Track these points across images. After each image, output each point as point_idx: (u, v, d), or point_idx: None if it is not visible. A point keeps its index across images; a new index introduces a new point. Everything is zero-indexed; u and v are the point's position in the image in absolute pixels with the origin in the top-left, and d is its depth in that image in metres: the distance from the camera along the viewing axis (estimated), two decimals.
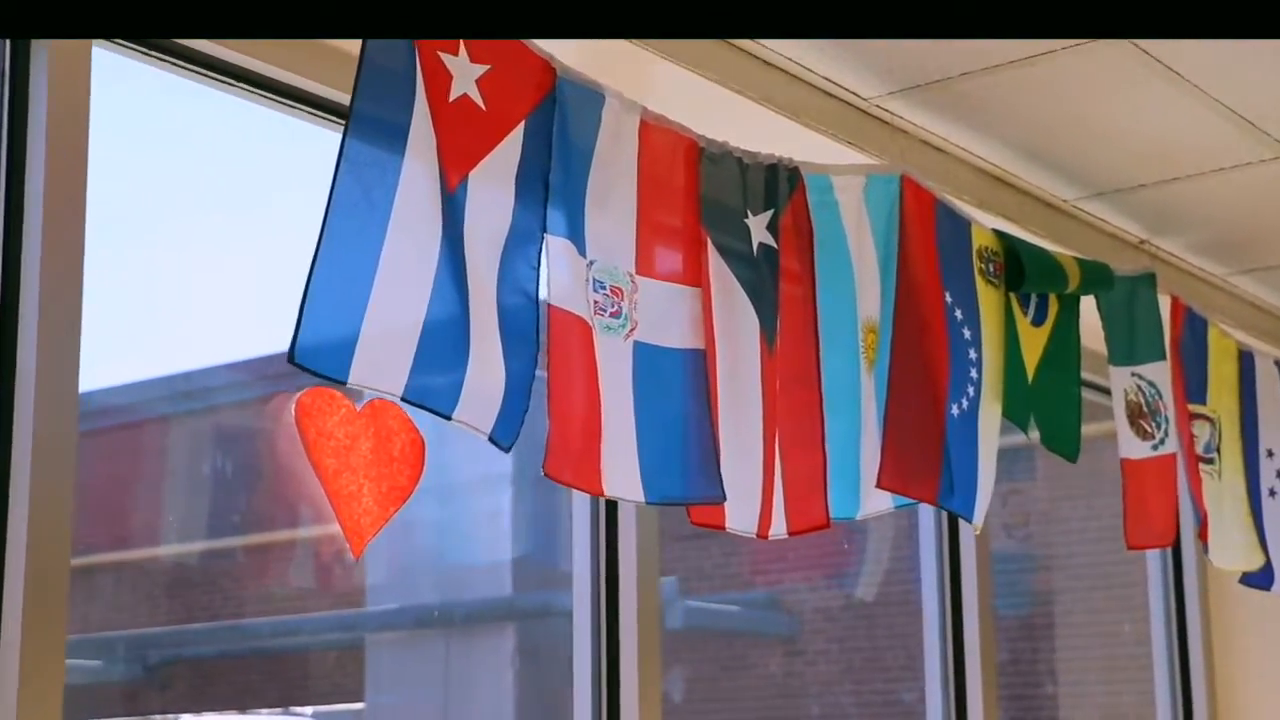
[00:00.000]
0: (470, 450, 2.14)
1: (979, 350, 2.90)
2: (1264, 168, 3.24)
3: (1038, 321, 3.10)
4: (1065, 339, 3.14)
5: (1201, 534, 3.43)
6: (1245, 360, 3.67)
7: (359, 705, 6.10)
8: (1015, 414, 2.99)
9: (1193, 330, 3.49)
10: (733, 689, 7.50)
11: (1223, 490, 3.49)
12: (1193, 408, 3.46)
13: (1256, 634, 4.28)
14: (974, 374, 2.89)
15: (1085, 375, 3.23)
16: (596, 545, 2.80)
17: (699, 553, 7.55)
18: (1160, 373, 3.34)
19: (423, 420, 2.15)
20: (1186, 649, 4.20)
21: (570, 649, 2.79)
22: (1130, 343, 3.31)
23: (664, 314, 2.37)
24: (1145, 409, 3.29)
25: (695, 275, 2.42)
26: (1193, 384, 3.46)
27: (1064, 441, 3.10)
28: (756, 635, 7.60)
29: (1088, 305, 3.23)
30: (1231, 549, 3.50)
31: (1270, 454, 3.65)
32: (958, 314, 2.86)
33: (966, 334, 2.88)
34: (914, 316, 2.75)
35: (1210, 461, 3.47)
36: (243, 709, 6.13)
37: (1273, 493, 3.62)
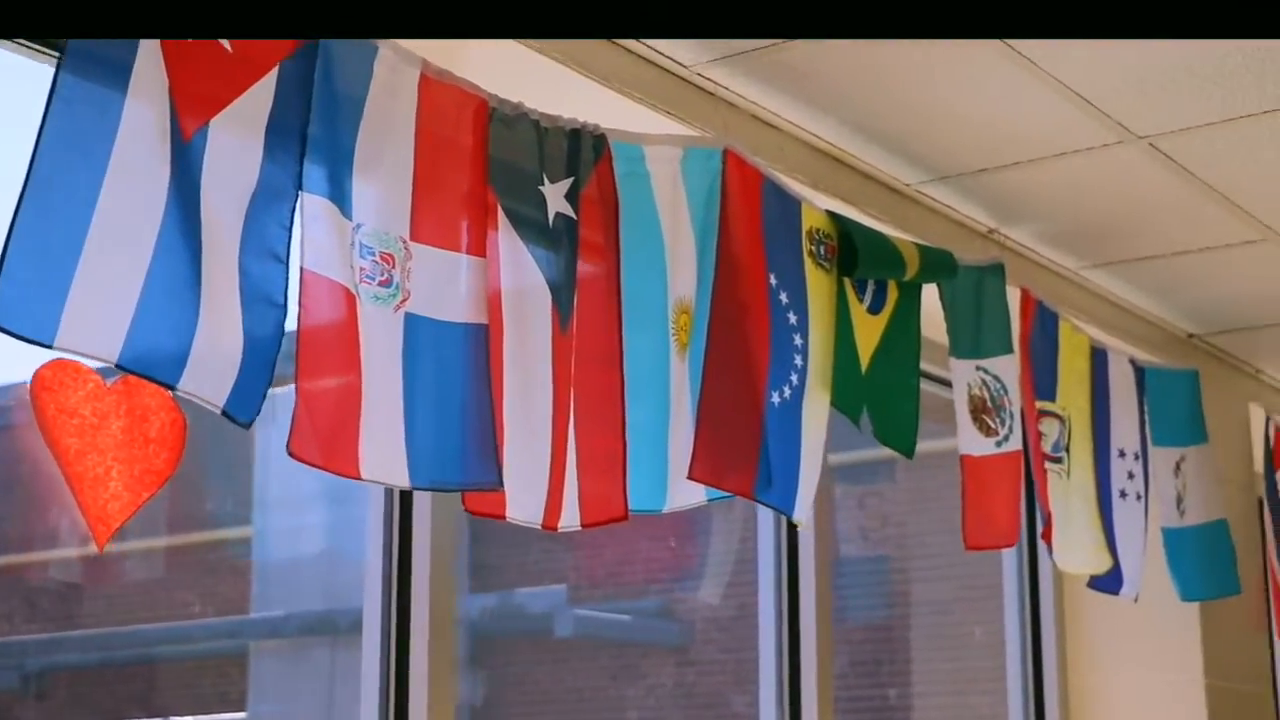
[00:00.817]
0: None
1: (805, 336, 2.76)
2: (1107, 153, 3.11)
3: (875, 309, 2.96)
4: (904, 328, 3.00)
5: (1045, 535, 3.29)
6: (1098, 357, 3.55)
7: (241, 715, 5.92)
8: (846, 404, 2.85)
9: (1043, 325, 3.37)
10: (621, 700, 7.35)
11: (1071, 490, 3.37)
12: (1041, 405, 3.34)
13: (1110, 638, 4.17)
14: (799, 361, 2.74)
15: (927, 367, 3.08)
16: (389, 543, 2.61)
17: (591, 560, 7.40)
18: (1007, 367, 3.22)
19: None
20: (1040, 653, 4.09)
21: None
22: (975, 335, 3.18)
23: (442, 285, 2.21)
24: (989, 404, 3.15)
25: (479, 244, 2.26)
26: (1042, 380, 3.34)
27: (899, 436, 2.95)
28: (648, 645, 7.45)
29: (932, 295, 3.09)
30: (1078, 550, 3.37)
31: (1122, 454, 3.53)
32: (783, 297, 2.71)
33: (792, 318, 2.74)
34: (733, 298, 2.60)
35: (1058, 460, 3.35)
36: (121, 718, 5.94)
37: (1124, 494, 3.50)
